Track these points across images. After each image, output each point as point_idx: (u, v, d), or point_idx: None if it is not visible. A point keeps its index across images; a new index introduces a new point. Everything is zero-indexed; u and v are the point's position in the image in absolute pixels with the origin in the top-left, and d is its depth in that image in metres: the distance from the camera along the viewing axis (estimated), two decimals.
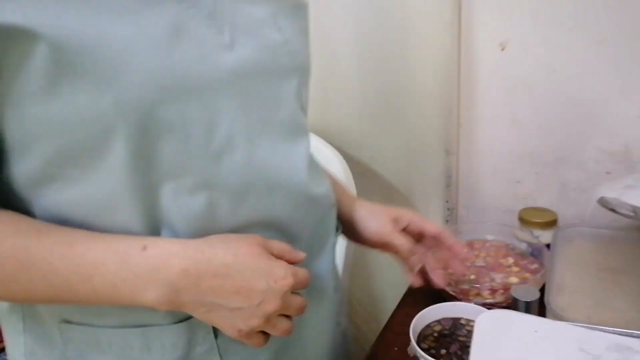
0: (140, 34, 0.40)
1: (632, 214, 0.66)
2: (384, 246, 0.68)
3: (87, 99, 0.40)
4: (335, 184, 0.69)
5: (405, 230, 0.69)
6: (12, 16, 0.36)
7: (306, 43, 0.57)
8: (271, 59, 0.50)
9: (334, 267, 0.65)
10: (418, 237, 0.71)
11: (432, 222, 0.70)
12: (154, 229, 0.46)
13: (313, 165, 0.58)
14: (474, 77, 0.92)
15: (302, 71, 0.55)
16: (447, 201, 0.99)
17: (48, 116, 0.40)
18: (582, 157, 0.89)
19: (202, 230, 0.47)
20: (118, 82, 0.40)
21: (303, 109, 0.56)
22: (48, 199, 0.44)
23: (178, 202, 0.45)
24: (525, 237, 0.87)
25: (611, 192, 0.67)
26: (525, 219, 0.88)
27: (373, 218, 0.69)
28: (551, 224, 0.88)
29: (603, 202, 0.69)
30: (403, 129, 0.99)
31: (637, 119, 0.83)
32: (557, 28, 0.84)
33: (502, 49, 0.88)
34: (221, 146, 0.46)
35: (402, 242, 0.67)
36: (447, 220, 1.01)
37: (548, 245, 0.83)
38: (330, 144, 1.01)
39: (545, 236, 0.87)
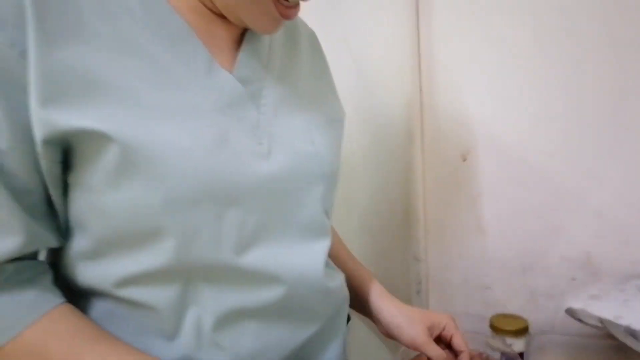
0: (191, 141, 0.47)
1: (599, 324, 0.66)
2: (417, 351, 0.69)
3: (140, 194, 0.46)
4: (361, 272, 0.74)
5: (439, 335, 0.70)
6: (93, 122, 0.43)
7: (336, 153, 0.63)
8: (302, 167, 0.56)
9: (344, 357, 0.66)
10: (450, 344, 0.71)
11: (460, 336, 0.69)
12: (182, 309, 0.50)
13: (329, 261, 0.63)
14: (439, 186, 0.96)
15: (328, 179, 0.60)
16: None
17: (107, 204, 0.47)
18: (546, 263, 0.91)
19: (228, 311, 0.51)
20: (168, 182, 0.46)
21: (326, 212, 0.61)
22: (92, 272, 0.50)
23: (206, 287, 0.51)
24: (498, 345, 0.86)
25: (577, 303, 0.68)
26: (497, 327, 0.88)
27: (410, 327, 0.68)
28: (523, 331, 0.87)
29: (570, 313, 0.70)
30: (370, 236, 1.00)
31: (595, 227, 0.87)
32: (514, 139, 0.90)
33: (464, 160, 0.93)
34: (247, 242, 0.51)
35: (436, 353, 0.66)
36: None
37: (521, 354, 0.82)
38: None
39: (517, 344, 0.86)
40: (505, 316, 0.90)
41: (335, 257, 0.73)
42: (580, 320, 0.68)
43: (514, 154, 0.90)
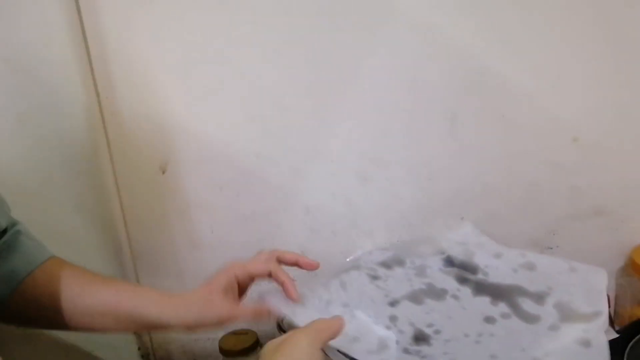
0: None
1: None
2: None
3: None
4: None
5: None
6: None
7: None
8: None
9: None
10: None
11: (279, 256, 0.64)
12: None
13: None
14: (140, 205, 0.83)
15: None
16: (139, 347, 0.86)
17: None
18: None
19: None
20: None
21: None
22: None
23: None
24: None
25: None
26: (225, 348, 0.81)
27: (203, 309, 0.59)
28: (254, 346, 0.83)
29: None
30: None
31: (306, 223, 0.86)
32: (218, 143, 0.81)
33: (164, 172, 0.81)
34: None
35: (248, 317, 0.61)
36: None
37: None
38: None
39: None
40: (235, 334, 0.84)
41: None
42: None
43: (219, 158, 0.81)
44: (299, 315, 0.62)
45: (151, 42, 0.75)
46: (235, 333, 0.84)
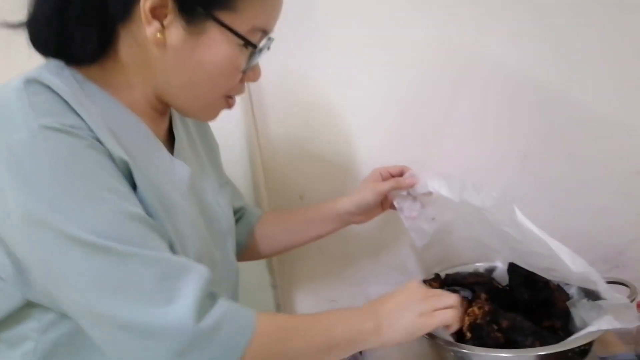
0: (192, 230, 0.66)
1: None
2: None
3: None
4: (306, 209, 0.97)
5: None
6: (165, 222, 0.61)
7: (231, 210, 0.83)
8: (220, 225, 0.76)
9: None
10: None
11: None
12: None
13: None
14: None
15: (232, 230, 0.81)
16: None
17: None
18: (378, 272, 1.12)
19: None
20: (185, 248, 0.64)
21: (233, 252, 0.82)
22: None
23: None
24: None
25: None
26: None
27: (365, 187, 0.90)
28: None
29: None
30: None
31: None
32: (340, 183, 1.08)
33: (301, 198, 1.09)
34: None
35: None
36: None
37: None
38: None
39: None
40: None
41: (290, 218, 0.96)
42: None
43: (343, 191, 1.06)
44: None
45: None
46: None
